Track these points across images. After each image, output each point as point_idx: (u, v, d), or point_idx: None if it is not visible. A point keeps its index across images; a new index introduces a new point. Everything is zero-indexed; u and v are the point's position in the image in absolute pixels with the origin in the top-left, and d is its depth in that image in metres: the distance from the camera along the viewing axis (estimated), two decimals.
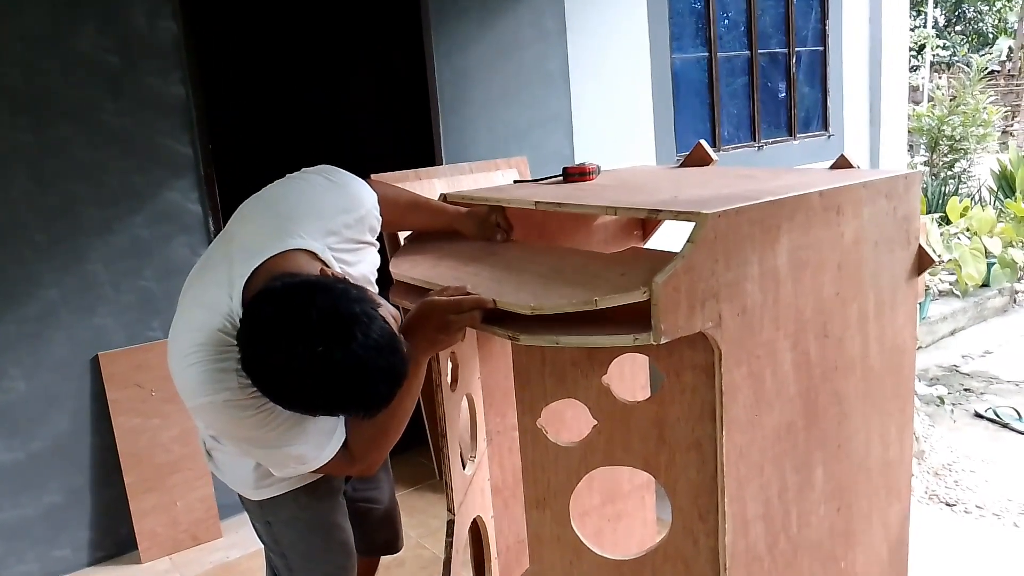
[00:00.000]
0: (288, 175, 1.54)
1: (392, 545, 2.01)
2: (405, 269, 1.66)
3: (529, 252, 1.60)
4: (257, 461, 1.52)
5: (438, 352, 1.51)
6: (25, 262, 2.77)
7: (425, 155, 3.82)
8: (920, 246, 1.57)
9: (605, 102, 4.38)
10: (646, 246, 2.23)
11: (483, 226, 1.72)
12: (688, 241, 1.21)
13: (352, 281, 1.32)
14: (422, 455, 3.56)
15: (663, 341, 1.19)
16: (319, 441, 1.40)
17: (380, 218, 1.55)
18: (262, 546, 1.78)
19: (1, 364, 2.78)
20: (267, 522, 1.67)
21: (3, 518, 2.82)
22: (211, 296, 1.34)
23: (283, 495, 1.61)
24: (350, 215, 1.47)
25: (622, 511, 2.24)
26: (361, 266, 1.51)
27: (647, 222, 2.17)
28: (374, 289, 1.54)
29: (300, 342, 1.14)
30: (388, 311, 1.27)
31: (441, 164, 3.69)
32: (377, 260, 1.59)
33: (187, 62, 2.99)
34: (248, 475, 1.59)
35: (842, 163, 1.66)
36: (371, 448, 1.48)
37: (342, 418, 1.44)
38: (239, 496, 1.68)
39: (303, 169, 1.54)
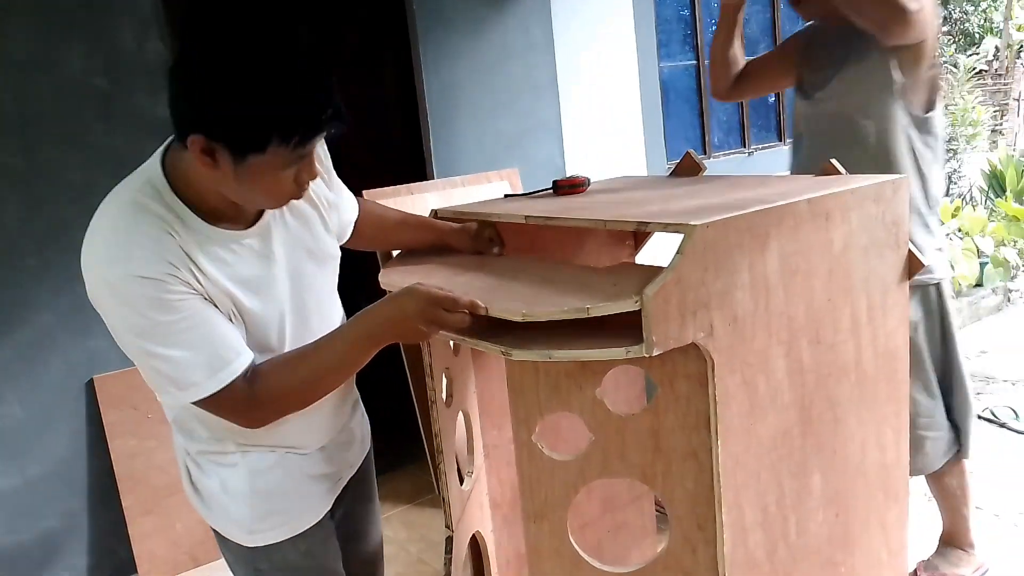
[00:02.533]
0: None
1: None
2: (396, 279, 1.65)
3: (521, 264, 1.60)
4: (138, 365, 1.32)
5: (406, 342, 1.40)
6: (19, 286, 2.77)
7: (416, 170, 3.83)
8: (910, 250, 1.58)
9: (594, 111, 4.40)
10: (638, 256, 2.23)
11: (475, 240, 1.72)
12: (677, 252, 1.21)
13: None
14: (421, 469, 3.56)
15: (655, 353, 1.19)
16: (213, 365, 1.27)
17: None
18: None
19: None
20: (257, 569, 1.55)
21: None
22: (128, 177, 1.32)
23: (282, 543, 1.51)
24: None
25: (622, 521, 2.23)
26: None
27: (638, 233, 2.17)
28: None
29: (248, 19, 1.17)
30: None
31: (432, 178, 3.70)
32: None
33: None
34: (243, 516, 1.49)
35: (829, 170, 1.67)
36: (279, 395, 1.33)
37: (242, 352, 1.32)
38: (217, 535, 1.55)
39: None
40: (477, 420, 2.05)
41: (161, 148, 1.34)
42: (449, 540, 1.79)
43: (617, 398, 1.99)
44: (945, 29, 18.66)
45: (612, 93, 4.52)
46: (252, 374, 1.32)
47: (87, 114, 2.84)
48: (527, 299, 1.32)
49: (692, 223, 1.22)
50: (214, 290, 1.30)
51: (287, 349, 1.43)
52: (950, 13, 18.66)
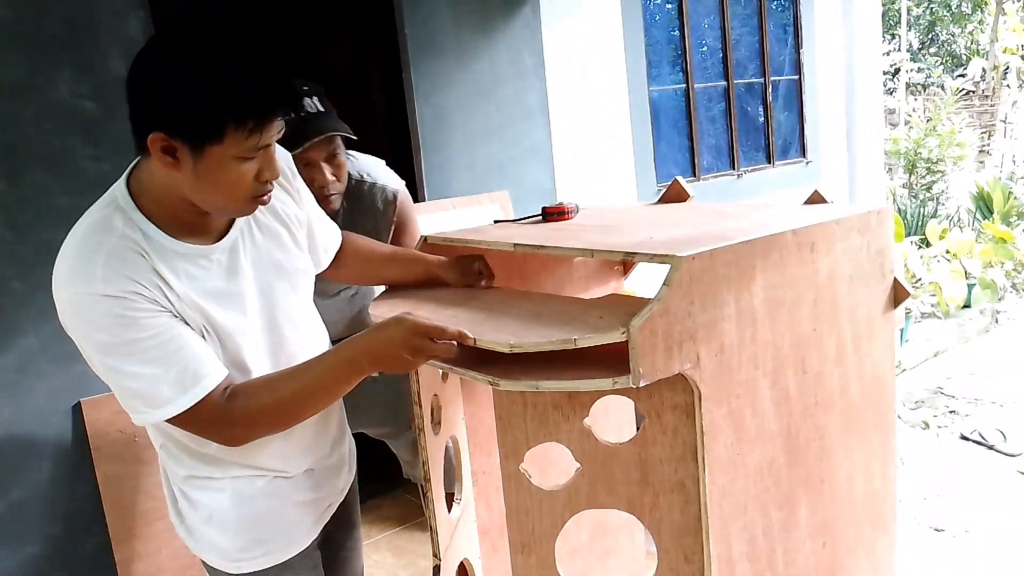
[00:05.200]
0: None
1: None
2: (384, 312, 1.66)
3: (510, 297, 1.60)
4: (109, 384, 1.31)
5: (391, 371, 1.37)
6: (4, 311, 2.75)
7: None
8: (895, 279, 1.59)
9: (585, 135, 4.42)
10: (626, 282, 2.24)
11: (465, 274, 1.71)
12: (663, 284, 1.22)
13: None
14: (409, 493, 3.54)
15: (642, 384, 1.19)
16: (184, 381, 1.25)
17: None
18: None
19: None
20: None
21: None
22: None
23: (267, 570, 1.48)
24: None
25: (611, 547, 2.23)
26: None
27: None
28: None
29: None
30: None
31: (424, 201, 3.70)
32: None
33: None
34: (228, 544, 1.47)
35: (816, 198, 1.68)
36: (257, 414, 1.31)
37: (215, 369, 1.29)
38: (204, 565, 1.53)
39: None
40: (466, 446, 2.04)
41: (128, 169, 1.35)
42: (436, 569, 1.78)
43: (608, 425, 1.99)
44: (932, 51, 18.88)
45: (602, 117, 4.55)
46: (231, 392, 1.31)
47: (74, 139, 2.82)
48: (515, 331, 1.32)
49: (678, 255, 1.23)
50: (183, 306, 1.29)
51: (265, 367, 1.42)
52: (937, 34, 18.88)
